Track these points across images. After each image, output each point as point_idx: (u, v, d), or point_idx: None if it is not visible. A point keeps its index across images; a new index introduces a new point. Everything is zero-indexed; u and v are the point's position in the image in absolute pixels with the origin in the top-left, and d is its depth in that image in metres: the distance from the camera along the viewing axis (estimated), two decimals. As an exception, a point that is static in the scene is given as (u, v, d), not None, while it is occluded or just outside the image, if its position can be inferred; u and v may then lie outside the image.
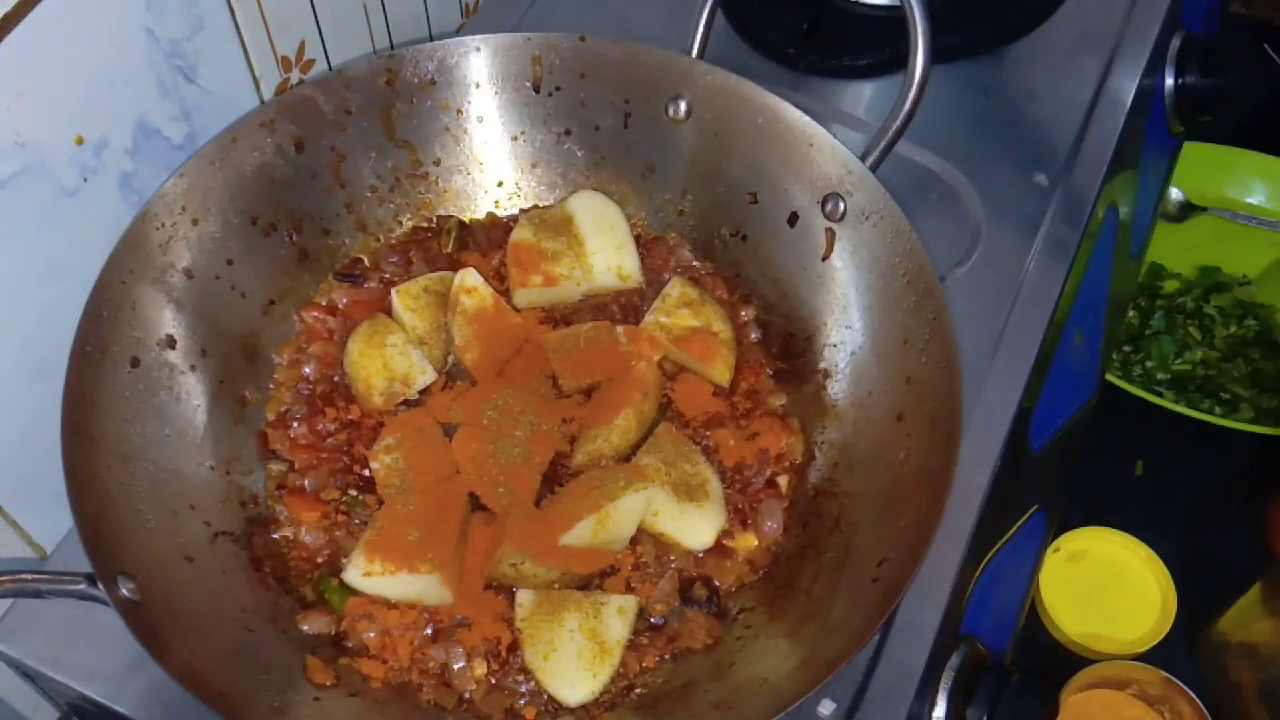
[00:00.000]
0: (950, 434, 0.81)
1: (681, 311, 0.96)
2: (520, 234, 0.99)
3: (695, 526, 0.88)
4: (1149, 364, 1.57)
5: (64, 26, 0.79)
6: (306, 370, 0.95)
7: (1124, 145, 1.14)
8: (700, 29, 0.98)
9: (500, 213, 1.04)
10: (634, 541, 0.88)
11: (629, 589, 0.86)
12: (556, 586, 0.85)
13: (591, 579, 0.87)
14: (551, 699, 0.82)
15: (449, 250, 1.01)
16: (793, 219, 0.96)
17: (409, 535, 0.84)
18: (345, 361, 0.94)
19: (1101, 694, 1.26)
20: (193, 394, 0.88)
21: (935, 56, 0.87)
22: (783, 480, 0.91)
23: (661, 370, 0.95)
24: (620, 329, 0.95)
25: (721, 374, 0.94)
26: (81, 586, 0.73)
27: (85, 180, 0.86)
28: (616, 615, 0.83)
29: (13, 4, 0.75)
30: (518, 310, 0.97)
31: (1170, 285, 1.66)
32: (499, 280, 0.99)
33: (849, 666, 0.75)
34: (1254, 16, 1.95)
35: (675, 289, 0.97)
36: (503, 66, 0.99)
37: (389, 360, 0.93)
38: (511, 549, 0.84)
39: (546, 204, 1.04)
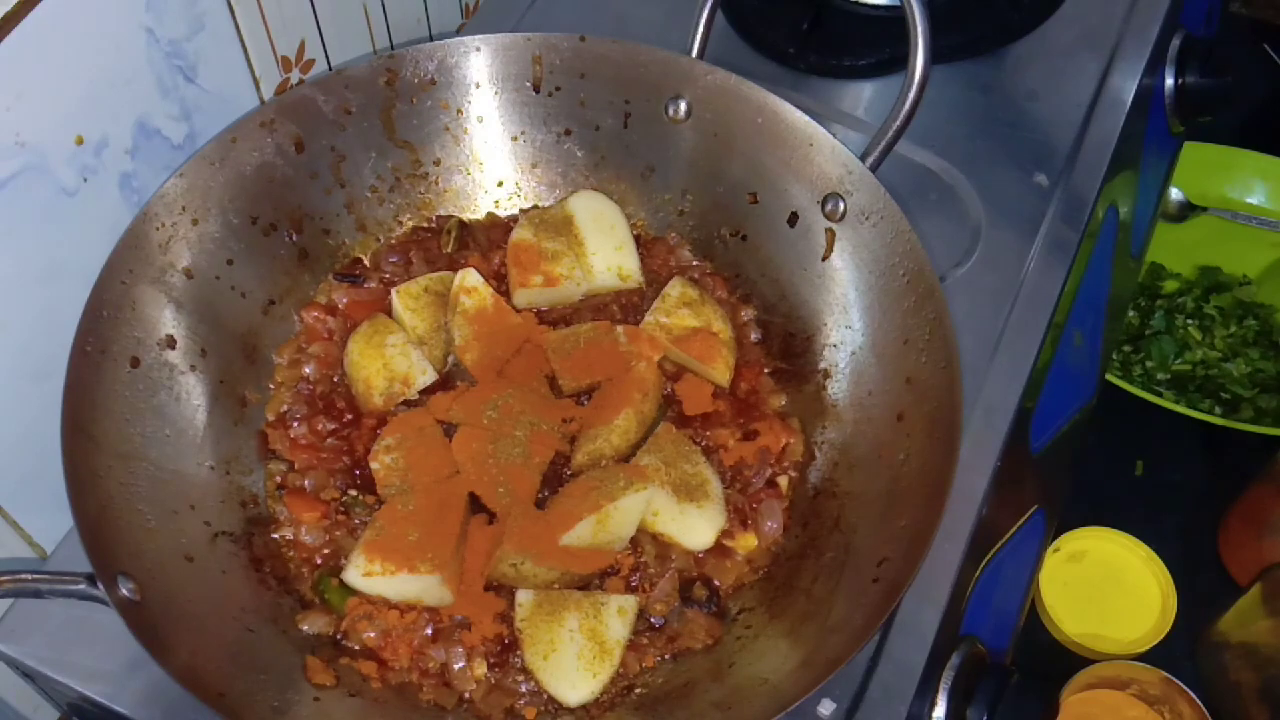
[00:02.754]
0: (950, 434, 0.81)
1: (681, 311, 0.96)
2: (520, 234, 0.99)
3: (695, 526, 0.88)
4: (1149, 364, 1.57)
5: (64, 26, 0.79)
6: (306, 370, 0.95)
7: (1124, 145, 1.14)
8: (700, 29, 0.98)
9: (500, 213, 1.04)
10: (634, 542, 0.88)
11: (629, 589, 0.86)
12: (556, 586, 0.85)
13: (591, 579, 0.87)
14: (551, 699, 0.82)
15: (449, 250, 1.01)
16: (793, 219, 0.96)
17: (409, 535, 0.84)
18: (345, 361, 0.94)
19: (1101, 694, 1.26)
20: (193, 394, 0.88)
21: (935, 56, 0.87)
22: (783, 480, 0.91)
23: (661, 370, 0.95)
24: (620, 329, 0.95)
25: (721, 374, 0.94)
26: (81, 586, 0.73)
27: (85, 180, 0.86)
28: (616, 615, 0.83)
29: (13, 4, 0.75)
30: (518, 310, 0.97)
31: (1170, 285, 1.66)
32: (499, 280, 0.99)
33: (849, 666, 0.75)
34: (1254, 16, 1.95)
35: (675, 289, 0.97)
36: (503, 66, 0.99)
37: (389, 360, 0.93)
38: (511, 549, 0.84)
39: (546, 204, 1.04)
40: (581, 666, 0.81)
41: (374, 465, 0.89)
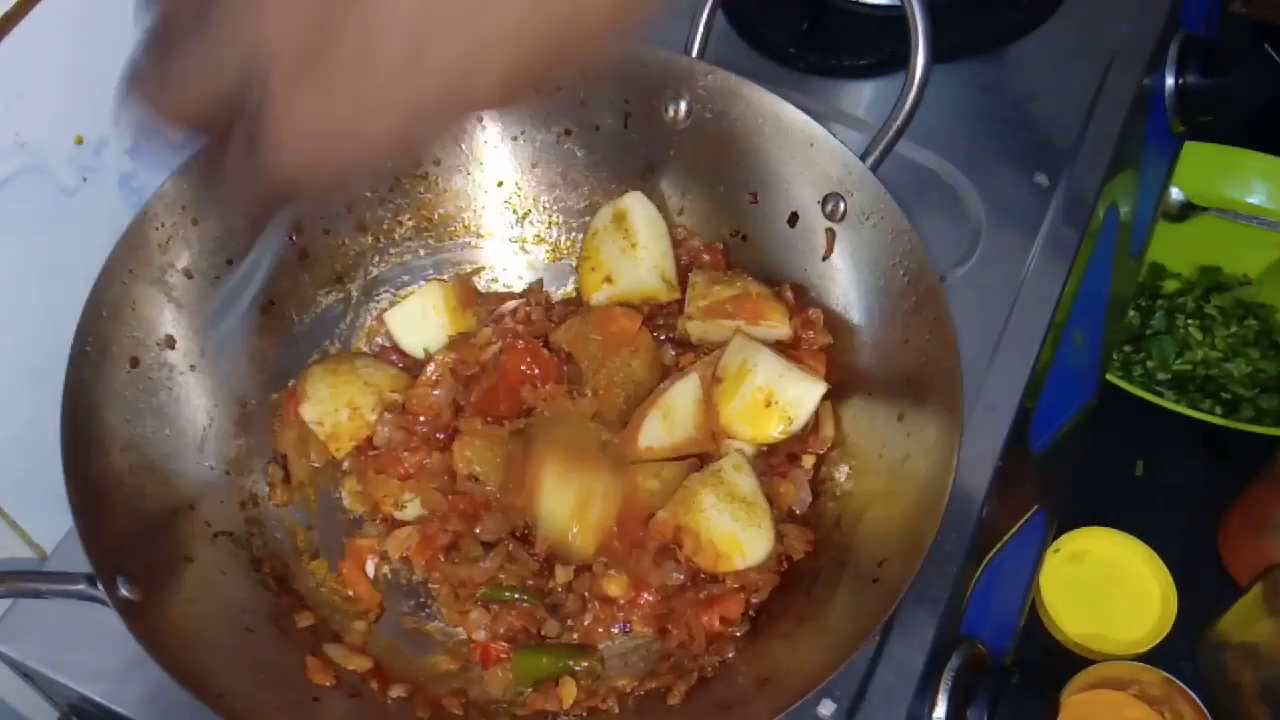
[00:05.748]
0: (950, 434, 0.80)
1: (714, 289, 0.94)
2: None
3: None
4: (1149, 364, 1.57)
5: (64, 26, 0.79)
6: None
7: (1124, 145, 1.14)
8: (700, 29, 0.98)
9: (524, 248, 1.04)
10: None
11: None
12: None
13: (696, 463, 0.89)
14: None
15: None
16: (793, 219, 0.96)
17: None
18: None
19: (1102, 694, 1.26)
20: (193, 394, 0.88)
21: (935, 56, 0.87)
22: (807, 460, 0.91)
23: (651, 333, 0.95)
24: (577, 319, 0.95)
25: (780, 324, 0.93)
26: (81, 586, 0.73)
27: (85, 180, 0.86)
28: (734, 471, 0.85)
29: (13, 4, 0.75)
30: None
31: (1170, 285, 1.66)
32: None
33: (849, 666, 0.75)
34: (1254, 16, 1.95)
35: (698, 277, 0.96)
36: (503, 66, 0.99)
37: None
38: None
39: (576, 215, 1.04)
40: (746, 526, 0.84)
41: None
